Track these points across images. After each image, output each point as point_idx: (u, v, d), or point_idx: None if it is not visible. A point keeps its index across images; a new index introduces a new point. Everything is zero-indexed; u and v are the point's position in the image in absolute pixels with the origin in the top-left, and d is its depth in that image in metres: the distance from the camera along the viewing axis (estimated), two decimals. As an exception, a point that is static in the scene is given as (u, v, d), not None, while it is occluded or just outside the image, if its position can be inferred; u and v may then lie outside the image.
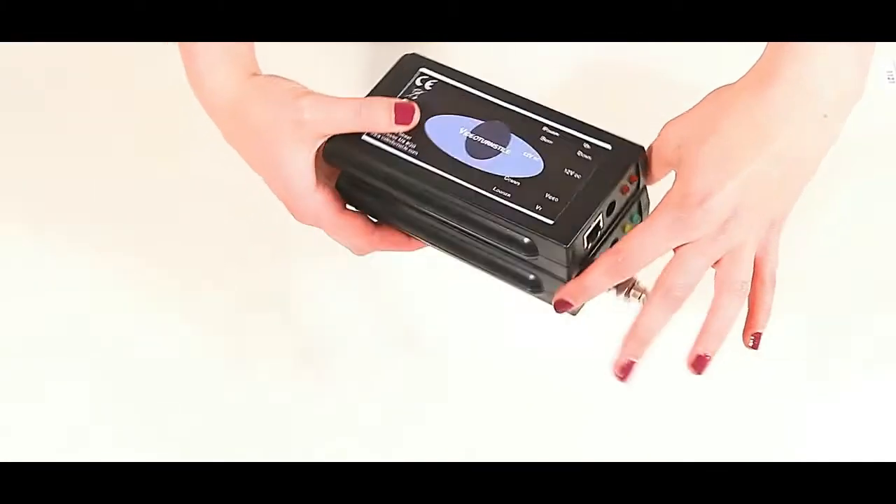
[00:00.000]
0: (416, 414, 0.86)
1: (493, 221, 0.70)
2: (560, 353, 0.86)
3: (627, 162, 0.71)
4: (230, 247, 0.92)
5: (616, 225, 0.73)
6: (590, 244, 0.71)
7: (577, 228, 0.69)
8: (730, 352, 0.87)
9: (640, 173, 0.72)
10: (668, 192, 0.70)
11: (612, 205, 0.71)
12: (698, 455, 0.83)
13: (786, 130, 0.69)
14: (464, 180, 0.71)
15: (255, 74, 0.74)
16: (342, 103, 0.71)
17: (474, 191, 0.71)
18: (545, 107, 0.73)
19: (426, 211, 0.73)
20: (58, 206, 0.95)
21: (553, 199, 0.70)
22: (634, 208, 0.74)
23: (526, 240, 0.70)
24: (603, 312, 0.88)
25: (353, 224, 0.75)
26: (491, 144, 0.72)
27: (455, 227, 0.73)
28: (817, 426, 0.85)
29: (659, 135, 0.72)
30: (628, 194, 0.72)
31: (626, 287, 0.73)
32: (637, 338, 0.71)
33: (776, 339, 0.87)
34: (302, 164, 0.72)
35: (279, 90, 0.72)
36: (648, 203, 0.75)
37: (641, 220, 0.73)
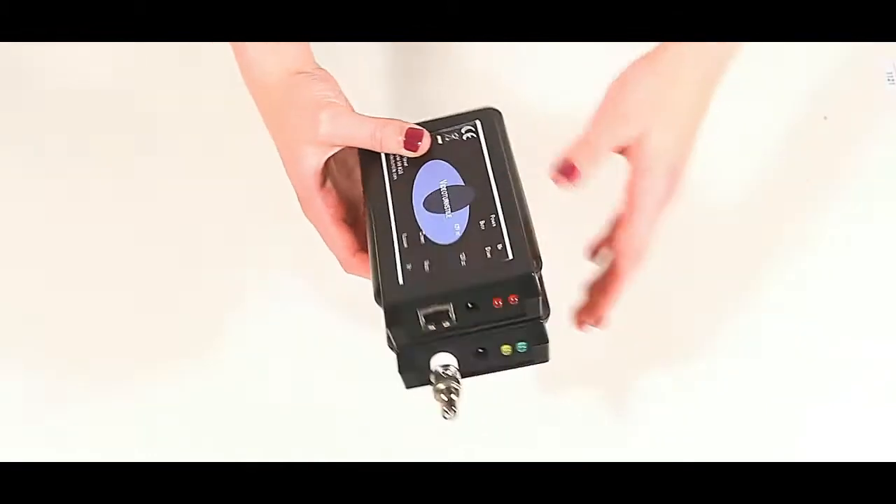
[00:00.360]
0: (418, 414, 0.86)
1: (376, 256, 0.72)
2: (560, 353, 0.86)
3: (506, 275, 0.69)
4: (231, 243, 0.92)
5: (483, 329, 0.71)
6: (429, 326, 0.70)
7: (408, 299, 0.69)
8: (730, 352, 0.88)
9: (526, 301, 0.69)
10: (641, 176, 0.74)
11: (474, 307, 0.69)
12: (698, 455, 0.83)
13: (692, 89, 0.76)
14: (394, 214, 0.73)
15: (297, 72, 0.77)
16: (359, 122, 0.75)
17: (391, 226, 0.72)
18: (517, 201, 0.73)
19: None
20: (63, 207, 0.95)
21: (427, 268, 0.70)
22: (522, 335, 0.71)
23: (374, 285, 0.70)
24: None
25: (340, 237, 0.78)
26: (446, 203, 0.73)
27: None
28: (817, 426, 0.85)
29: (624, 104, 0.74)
30: (499, 307, 0.69)
31: (447, 389, 0.72)
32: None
33: (777, 340, 0.88)
34: (312, 164, 0.76)
35: (305, 97, 0.76)
36: (546, 343, 0.72)
37: (529, 352, 0.72)
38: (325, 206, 0.77)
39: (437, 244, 0.71)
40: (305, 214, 0.79)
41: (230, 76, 0.98)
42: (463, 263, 0.69)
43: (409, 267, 0.70)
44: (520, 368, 0.85)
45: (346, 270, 0.80)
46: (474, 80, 1.00)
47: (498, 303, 0.69)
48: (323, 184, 0.77)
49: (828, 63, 1.02)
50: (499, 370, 0.73)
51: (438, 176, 0.75)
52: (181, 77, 1.01)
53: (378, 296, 0.69)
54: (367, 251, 0.78)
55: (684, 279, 0.91)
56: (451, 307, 0.69)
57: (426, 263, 0.70)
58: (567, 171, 0.73)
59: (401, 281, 0.69)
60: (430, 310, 0.69)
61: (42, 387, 0.87)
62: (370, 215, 0.75)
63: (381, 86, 0.99)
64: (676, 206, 0.76)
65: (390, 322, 0.69)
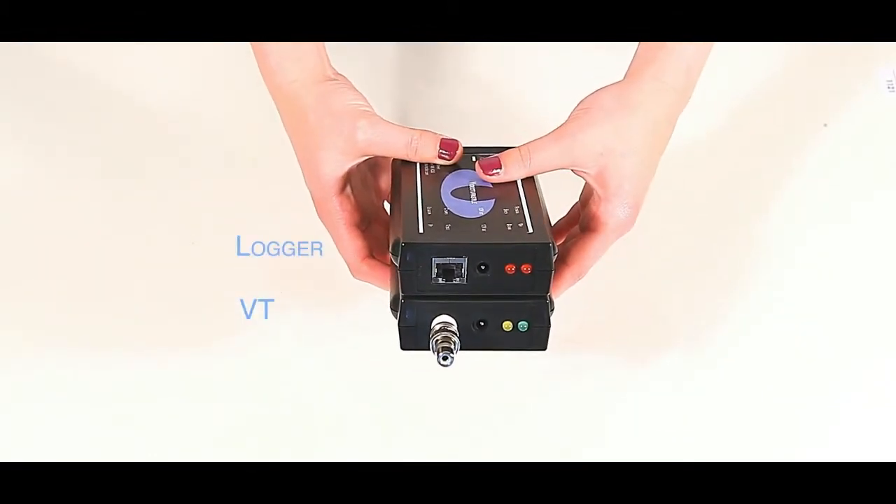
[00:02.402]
0: (416, 414, 0.86)
1: (400, 215, 0.74)
2: (560, 352, 0.87)
3: (524, 241, 0.71)
4: (233, 244, 0.93)
5: (489, 298, 0.73)
6: (439, 279, 0.72)
7: (426, 243, 0.71)
8: (730, 352, 0.88)
9: (539, 272, 0.72)
10: (607, 201, 0.77)
11: (486, 269, 0.71)
12: (698, 455, 0.83)
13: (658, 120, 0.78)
14: (421, 195, 0.76)
15: (325, 79, 0.79)
16: (396, 132, 0.77)
17: (418, 202, 0.75)
18: (541, 204, 0.76)
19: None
20: (65, 207, 0.96)
21: (447, 228, 0.72)
22: (526, 312, 0.73)
23: (393, 239, 0.72)
24: (602, 314, 0.89)
25: (352, 241, 0.80)
26: (472, 195, 0.76)
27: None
28: (817, 426, 0.85)
29: (575, 141, 0.76)
30: (511, 275, 0.71)
31: (444, 338, 0.73)
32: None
33: (777, 340, 0.88)
34: (335, 169, 0.77)
35: (340, 105, 0.77)
36: (547, 327, 0.74)
37: (529, 334, 0.74)
38: (341, 211, 0.79)
39: (460, 216, 0.74)
40: (320, 217, 0.80)
41: (231, 77, 0.99)
42: (483, 230, 0.72)
43: (430, 225, 0.73)
44: (518, 366, 0.86)
45: (354, 275, 0.81)
46: (474, 81, 1.01)
47: (510, 269, 0.71)
48: (342, 189, 0.79)
49: (828, 70, 1.03)
50: (495, 349, 0.74)
51: (468, 178, 0.78)
52: (183, 77, 1.01)
53: (396, 246, 0.71)
54: (375, 258, 0.81)
55: (684, 280, 0.91)
56: (465, 263, 0.71)
57: (447, 226, 0.73)
58: (488, 169, 0.77)
59: (421, 230, 0.72)
60: (445, 260, 0.71)
61: (41, 386, 0.87)
62: (397, 194, 0.77)
63: (378, 87, 1.00)
64: (633, 233, 0.79)
65: (404, 266, 0.71)
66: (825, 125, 1.00)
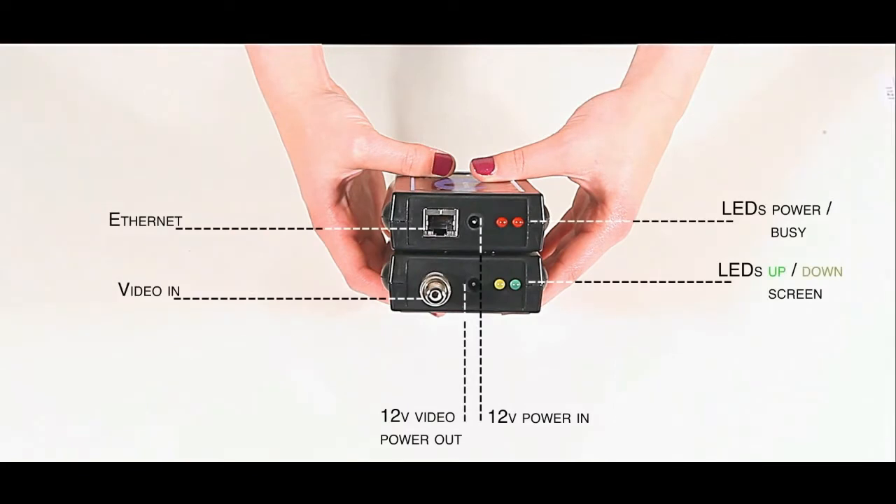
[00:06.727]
0: (415, 414, 0.86)
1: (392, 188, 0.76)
2: (560, 352, 0.87)
3: (516, 195, 0.72)
4: (230, 245, 0.93)
5: (478, 244, 0.73)
6: (430, 231, 0.72)
7: (417, 193, 0.72)
8: (729, 352, 0.88)
9: (531, 224, 0.72)
10: (601, 208, 0.77)
11: (476, 220, 0.72)
12: (696, 455, 0.83)
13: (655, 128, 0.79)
14: (414, 182, 0.77)
15: (323, 92, 0.80)
16: (391, 148, 0.78)
17: (410, 182, 0.76)
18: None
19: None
20: (62, 207, 0.96)
21: (438, 187, 0.74)
22: (518, 269, 0.73)
23: (386, 202, 0.74)
24: (602, 315, 0.89)
25: (348, 252, 0.80)
26: (466, 185, 0.77)
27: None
28: (820, 426, 0.85)
29: (570, 148, 0.77)
30: (502, 229, 0.72)
31: (437, 286, 0.73)
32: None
33: (776, 340, 0.88)
34: (330, 181, 0.78)
35: (337, 119, 0.78)
36: (540, 285, 0.73)
37: (521, 293, 0.73)
38: (337, 222, 0.79)
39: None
40: (316, 229, 0.81)
41: (231, 82, 0.99)
42: (475, 190, 0.74)
43: (421, 187, 0.74)
44: (516, 367, 0.86)
45: (350, 286, 0.81)
46: (471, 86, 1.01)
47: (502, 222, 0.72)
48: (338, 201, 0.79)
49: (827, 77, 1.03)
50: (487, 311, 0.74)
51: (462, 179, 0.79)
52: (182, 80, 1.01)
53: (388, 203, 0.72)
54: (371, 267, 0.80)
55: (682, 284, 0.91)
56: (456, 215, 0.72)
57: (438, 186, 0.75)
58: (482, 168, 0.77)
59: (412, 189, 0.73)
60: (436, 211, 0.72)
61: (33, 388, 0.87)
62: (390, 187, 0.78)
63: (374, 91, 1.00)
64: (627, 240, 0.79)
65: (396, 217, 0.72)
66: (824, 132, 1.00)
